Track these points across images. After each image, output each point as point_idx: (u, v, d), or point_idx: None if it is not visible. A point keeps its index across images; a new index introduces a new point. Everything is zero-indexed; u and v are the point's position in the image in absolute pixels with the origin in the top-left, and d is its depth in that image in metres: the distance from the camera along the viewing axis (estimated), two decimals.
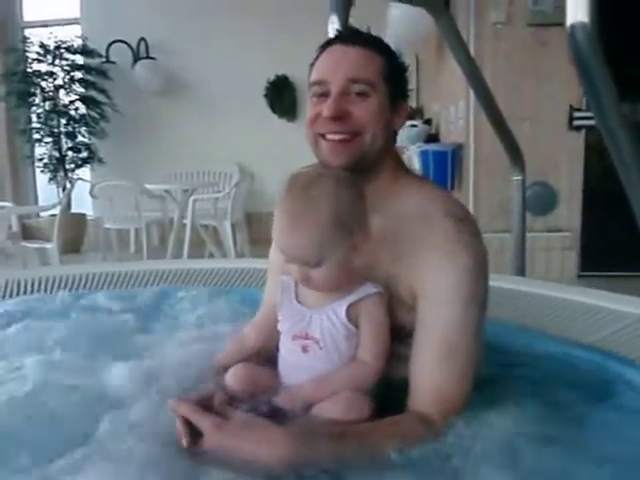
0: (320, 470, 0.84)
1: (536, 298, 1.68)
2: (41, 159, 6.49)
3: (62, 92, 6.43)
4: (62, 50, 6.32)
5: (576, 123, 4.10)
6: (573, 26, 1.12)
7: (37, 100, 6.43)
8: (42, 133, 6.44)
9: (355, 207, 0.96)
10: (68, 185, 6.08)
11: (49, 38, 6.31)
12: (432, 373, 0.97)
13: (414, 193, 1.08)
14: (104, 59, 6.49)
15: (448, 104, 4.83)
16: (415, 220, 1.03)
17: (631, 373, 1.22)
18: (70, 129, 6.42)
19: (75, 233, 6.11)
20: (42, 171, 6.55)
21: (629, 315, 1.48)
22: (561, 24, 1.16)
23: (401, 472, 0.85)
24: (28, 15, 7.05)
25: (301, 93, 6.36)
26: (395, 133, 1.11)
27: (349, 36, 1.08)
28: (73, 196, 5.68)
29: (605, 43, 1.12)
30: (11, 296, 1.92)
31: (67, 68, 6.36)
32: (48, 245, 4.49)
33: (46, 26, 6.45)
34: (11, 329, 1.50)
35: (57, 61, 6.35)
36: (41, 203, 7.19)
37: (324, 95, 1.04)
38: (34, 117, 6.54)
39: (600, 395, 1.12)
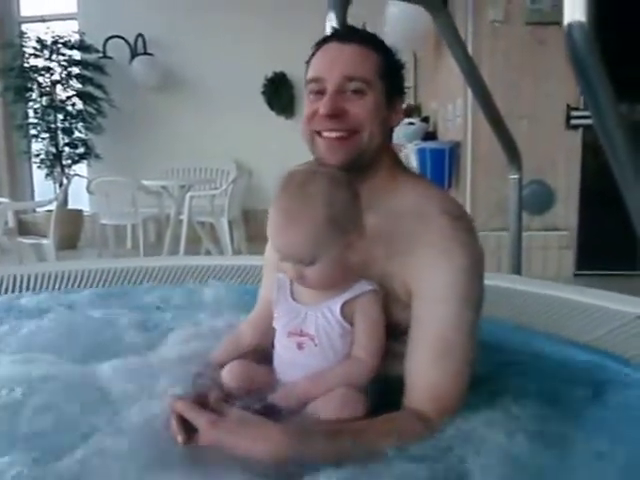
0: (315, 467, 0.84)
1: (532, 297, 1.69)
2: (38, 155, 6.48)
3: (59, 87, 6.43)
4: (59, 45, 6.31)
5: (573, 122, 4.10)
6: (570, 25, 1.12)
7: (34, 95, 6.43)
8: (39, 129, 6.44)
9: (350, 206, 0.95)
10: (65, 181, 6.07)
11: (46, 33, 6.30)
12: (427, 371, 0.97)
13: (410, 190, 1.07)
14: (101, 54, 6.49)
15: (446, 102, 4.83)
16: (411, 218, 1.03)
17: (627, 372, 1.23)
18: (67, 125, 6.42)
19: (71, 229, 6.11)
20: (39, 167, 6.55)
21: (625, 314, 1.48)
22: (559, 23, 1.16)
23: (397, 470, 0.85)
24: (25, 10, 7.04)
25: (299, 90, 6.36)
26: (392, 130, 1.11)
27: (345, 34, 1.08)
28: (70, 192, 5.67)
29: (604, 44, 1.12)
30: (6, 292, 1.91)
31: (64, 63, 6.36)
32: (44, 241, 4.48)
33: (43, 21, 6.42)
34: (4, 327, 1.48)
35: (54, 56, 6.34)
36: (38, 199, 7.19)
37: (320, 93, 1.03)
38: (31, 112, 6.53)
39: (596, 393, 1.12)
